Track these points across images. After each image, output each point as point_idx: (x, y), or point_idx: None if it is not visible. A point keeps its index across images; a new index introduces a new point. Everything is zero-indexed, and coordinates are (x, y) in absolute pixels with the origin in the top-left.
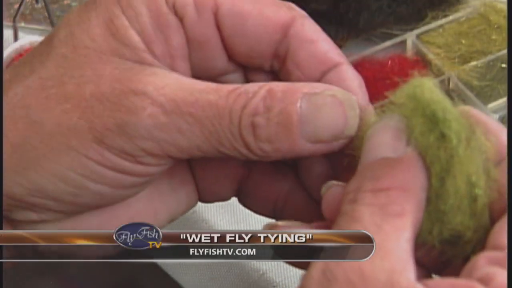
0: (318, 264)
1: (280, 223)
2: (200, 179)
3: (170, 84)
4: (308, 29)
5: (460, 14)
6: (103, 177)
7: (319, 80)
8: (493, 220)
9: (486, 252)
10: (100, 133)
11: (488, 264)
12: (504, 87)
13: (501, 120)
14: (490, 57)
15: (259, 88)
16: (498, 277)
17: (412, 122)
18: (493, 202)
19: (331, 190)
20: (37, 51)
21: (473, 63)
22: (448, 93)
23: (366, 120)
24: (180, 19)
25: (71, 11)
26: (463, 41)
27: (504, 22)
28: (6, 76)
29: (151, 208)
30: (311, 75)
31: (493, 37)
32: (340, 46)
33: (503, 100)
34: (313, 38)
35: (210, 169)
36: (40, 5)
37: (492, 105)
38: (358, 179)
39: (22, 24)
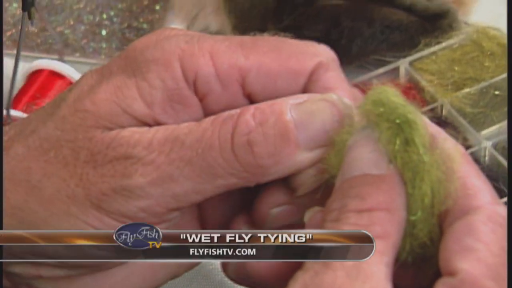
0: (296, 285)
1: None
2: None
3: (157, 135)
4: (330, 76)
5: (453, 41)
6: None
7: None
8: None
9: (442, 279)
10: (96, 199)
11: None
12: (497, 114)
13: (494, 146)
14: (483, 84)
15: (242, 109)
16: None
17: (379, 128)
18: (443, 212)
19: (315, 216)
20: (42, 110)
21: (466, 90)
22: (441, 120)
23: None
24: (203, 95)
25: (86, 75)
26: (456, 68)
27: (497, 49)
28: (10, 133)
29: (150, 269)
30: None
31: (486, 64)
32: None
33: (496, 127)
34: (331, 86)
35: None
36: (34, 28)
37: (485, 132)
38: (341, 197)
39: (14, 52)
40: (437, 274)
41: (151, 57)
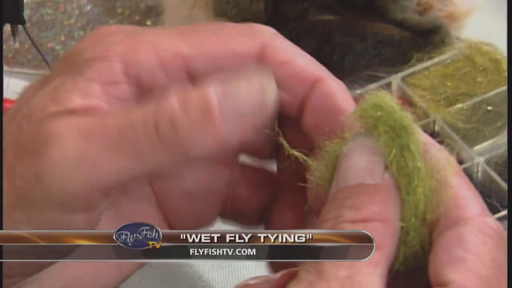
0: None
1: (251, 281)
2: (174, 220)
3: (81, 119)
4: (282, 50)
5: (445, 56)
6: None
7: (304, 98)
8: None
9: None
10: (21, 189)
11: None
12: (489, 129)
13: (487, 162)
14: (476, 99)
15: (166, 93)
16: None
17: (377, 131)
18: (433, 222)
19: None
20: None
21: (459, 105)
22: (434, 135)
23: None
24: (149, 87)
25: (30, 85)
26: (449, 84)
27: (489, 64)
28: None
29: (113, 262)
30: (295, 93)
31: (479, 79)
32: None
33: (489, 143)
34: (288, 58)
35: (187, 210)
36: (17, 44)
37: (477, 147)
38: (336, 207)
39: (5, 68)
40: (428, 284)
41: (90, 55)
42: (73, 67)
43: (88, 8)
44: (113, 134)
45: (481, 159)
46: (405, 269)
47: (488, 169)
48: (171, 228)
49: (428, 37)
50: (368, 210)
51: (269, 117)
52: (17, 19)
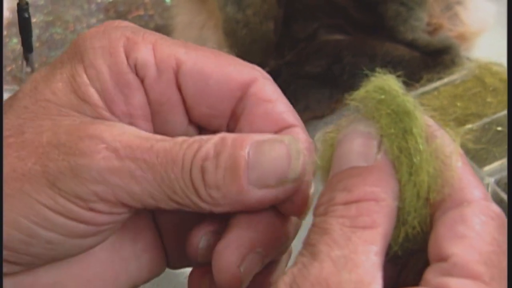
0: (285, 278)
1: None
2: (171, 247)
3: (127, 132)
4: (267, 89)
5: (455, 76)
6: (54, 224)
7: None
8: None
9: (433, 265)
10: (53, 176)
11: (438, 276)
12: (499, 150)
13: (496, 183)
14: (486, 120)
15: (211, 136)
16: (452, 285)
17: (378, 113)
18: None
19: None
20: (3, 105)
21: (469, 126)
22: None
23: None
24: (141, 79)
25: (38, 70)
26: (458, 104)
27: (499, 85)
28: None
29: (112, 271)
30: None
31: (489, 99)
32: (334, 109)
33: (499, 163)
34: (271, 98)
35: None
36: (29, 69)
37: (487, 168)
38: (329, 191)
39: (14, 87)
40: (422, 270)
41: (98, 44)
42: (82, 52)
43: None
44: (154, 161)
45: (491, 180)
46: (403, 253)
47: (498, 190)
48: (169, 258)
49: (438, 57)
50: (360, 191)
51: (291, 191)
52: (27, 45)
